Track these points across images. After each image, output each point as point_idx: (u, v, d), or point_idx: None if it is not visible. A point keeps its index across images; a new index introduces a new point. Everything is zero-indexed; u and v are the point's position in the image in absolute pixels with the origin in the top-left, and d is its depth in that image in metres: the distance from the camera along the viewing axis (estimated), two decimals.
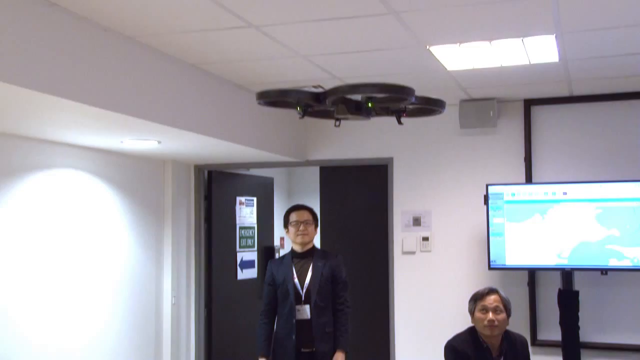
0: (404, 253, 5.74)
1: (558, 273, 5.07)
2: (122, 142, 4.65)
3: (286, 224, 4.62)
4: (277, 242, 7.37)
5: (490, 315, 3.60)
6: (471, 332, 3.70)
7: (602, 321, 5.19)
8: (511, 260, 5.09)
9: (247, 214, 6.66)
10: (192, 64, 4.26)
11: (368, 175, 5.99)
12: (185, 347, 5.96)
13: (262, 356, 4.49)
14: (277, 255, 6.92)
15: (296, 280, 4.47)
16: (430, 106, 3.04)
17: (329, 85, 4.66)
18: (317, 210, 5.68)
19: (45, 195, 4.54)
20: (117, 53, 3.61)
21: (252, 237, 6.72)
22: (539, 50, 3.98)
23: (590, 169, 5.27)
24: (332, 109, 2.94)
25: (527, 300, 5.35)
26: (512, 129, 5.50)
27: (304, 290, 4.44)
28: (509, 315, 3.67)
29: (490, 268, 5.15)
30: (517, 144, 5.48)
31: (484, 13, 3.36)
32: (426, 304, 5.64)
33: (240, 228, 6.54)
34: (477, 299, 3.70)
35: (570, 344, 4.90)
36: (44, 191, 4.54)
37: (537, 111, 5.45)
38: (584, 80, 4.80)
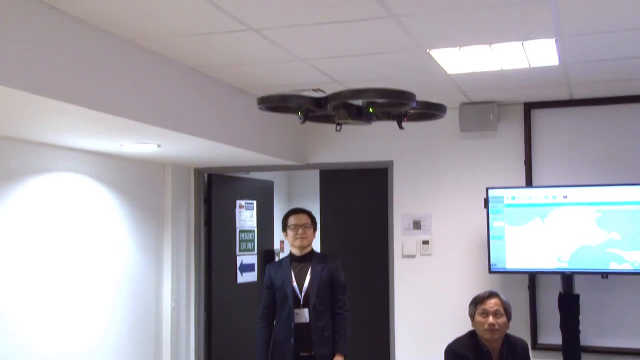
0: (404, 256, 5.73)
1: (558, 277, 5.06)
2: (122, 145, 4.65)
3: (285, 227, 4.61)
4: (277, 246, 7.36)
5: (491, 319, 3.59)
6: (471, 335, 3.69)
7: (603, 325, 5.18)
8: (511, 264, 5.08)
9: (247, 217, 6.65)
10: (192, 67, 4.26)
11: (368, 178, 5.99)
12: (185, 351, 5.95)
13: None
14: (277, 259, 6.91)
15: (295, 283, 4.46)
16: (431, 111, 3.05)
17: (329, 88, 4.70)
18: (317, 214, 5.68)
19: (45, 198, 4.54)
20: (117, 56, 3.61)
21: (252, 241, 6.72)
22: (539, 53, 3.98)
23: (590, 172, 5.26)
24: (333, 113, 2.94)
25: (527, 303, 5.35)
26: (512, 132, 5.50)
27: (303, 294, 4.44)
28: (509, 319, 3.66)
29: (490, 271, 5.14)
30: (517, 147, 5.48)
31: (484, 17, 3.36)
32: (426, 307, 5.64)
33: (240, 231, 6.54)
34: (477, 302, 3.69)
35: (571, 347, 4.89)
36: (44, 195, 4.53)
37: (537, 114, 5.45)
38: (584, 83, 4.80)
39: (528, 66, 4.26)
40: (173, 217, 5.82)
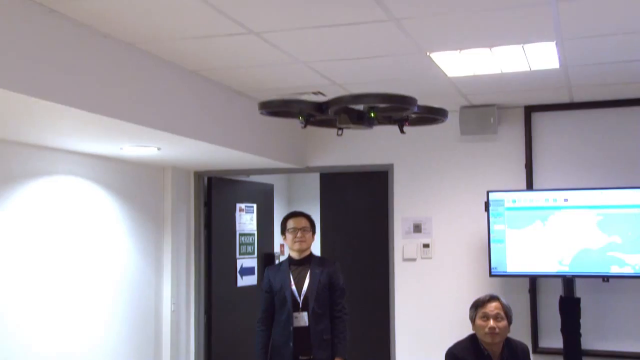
0: (405, 260, 5.72)
1: (559, 280, 5.05)
2: (121, 148, 4.64)
3: (283, 230, 4.60)
4: (277, 249, 7.35)
5: (491, 322, 3.59)
6: (472, 339, 3.68)
7: (604, 328, 5.17)
8: (512, 267, 5.07)
9: (247, 220, 6.64)
10: (192, 70, 4.26)
11: (368, 181, 5.98)
12: (184, 354, 5.93)
13: None
14: (276, 262, 6.90)
15: (294, 287, 4.45)
16: (432, 115, 3.05)
17: (329, 91, 4.70)
18: (317, 217, 5.67)
19: (45, 201, 4.53)
20: (117, 59, 3.61)
21: (252, 244, 6.71)
22: (540, 56, 3.97)
23: (591, 175, 5.26)
24: (334, 118, 2.94)
25: (528, 307, 5.33)
26: (512, 136, 5.49)
27: (302, 298, 4.43)
28: (510, 322, 3.66)
29: (491, 275, 5.13)
30: (518, 151, 5.47)
31: (484, 20, 3.35)
32: (427, 311, 5.62)
33: (240, 235, 6.53)
34: (478, 306, 3.69)
35: (572, 351, 4.88)
36: (44, 198, 4.53)
37: (537, 118, 5.44)
38: (585, 86, 4.80)
39: (528, 69, 4.25)
40: (173, 220, 5.81)
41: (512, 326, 3.68)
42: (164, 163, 5.61)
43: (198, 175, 6.17)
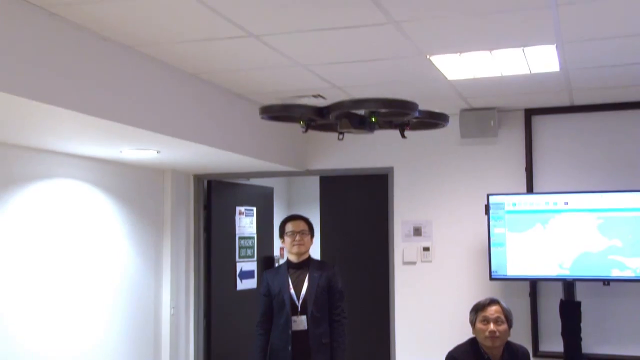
0: (405, 263, 5.71)
1: (560, 284, 5.04)
2: (121, 151, 4.64)
3: (282, 234, 4.60)
4: (276, 252, 7.34)
5: (492, 326, 3.58)
6: (472, 343, 3.67)
7: (605, 332, 5.16)
8: (512, 271, 5.06)
9: (246, 223, 6.64)
10: (191, 73, 4.26)
11: (368, 185, 5.98)
12: (184, 357, 5.92)
13: None
14: (276, 266, 6.89)
15: (292, 290, 4.44)
16: (434, 120, 3.04)
17: (329, 94, 4.70)
18: (317, 220, 5.67)
19: (45, 204, 4.53)
20: (117, 63, 3.60)
21: (252, 247, 6.70)
22: (540, 59, 3.97)
23: (591, 178, 5.25)
24: (335, 123, 2.94)
25: (528, 311, 5.33)
26: (512, 139, 5.49)
27: (300, 301, 4.42)
28: (510, 326, 3.65)
29: (491, 278, 5.12)
30: (518, 154, 5.46)
31: (484, 23, 3.35)
32: (427, 314, 5.61)
33: (240, 238, 6.52)
34: (478, 309, 3.68)
35: (573, 355, 4.87)
36: (44, 201, 4.53)
37: (538, 121, 5.44)
38: (585, 89, 4.80)
39: (529, 72, 4.25)
40: (172, 223, 5.81)
41: (512, 330, 3.67)
42: (163, 166, 5.61)
43: (198, 178, 6.16)
